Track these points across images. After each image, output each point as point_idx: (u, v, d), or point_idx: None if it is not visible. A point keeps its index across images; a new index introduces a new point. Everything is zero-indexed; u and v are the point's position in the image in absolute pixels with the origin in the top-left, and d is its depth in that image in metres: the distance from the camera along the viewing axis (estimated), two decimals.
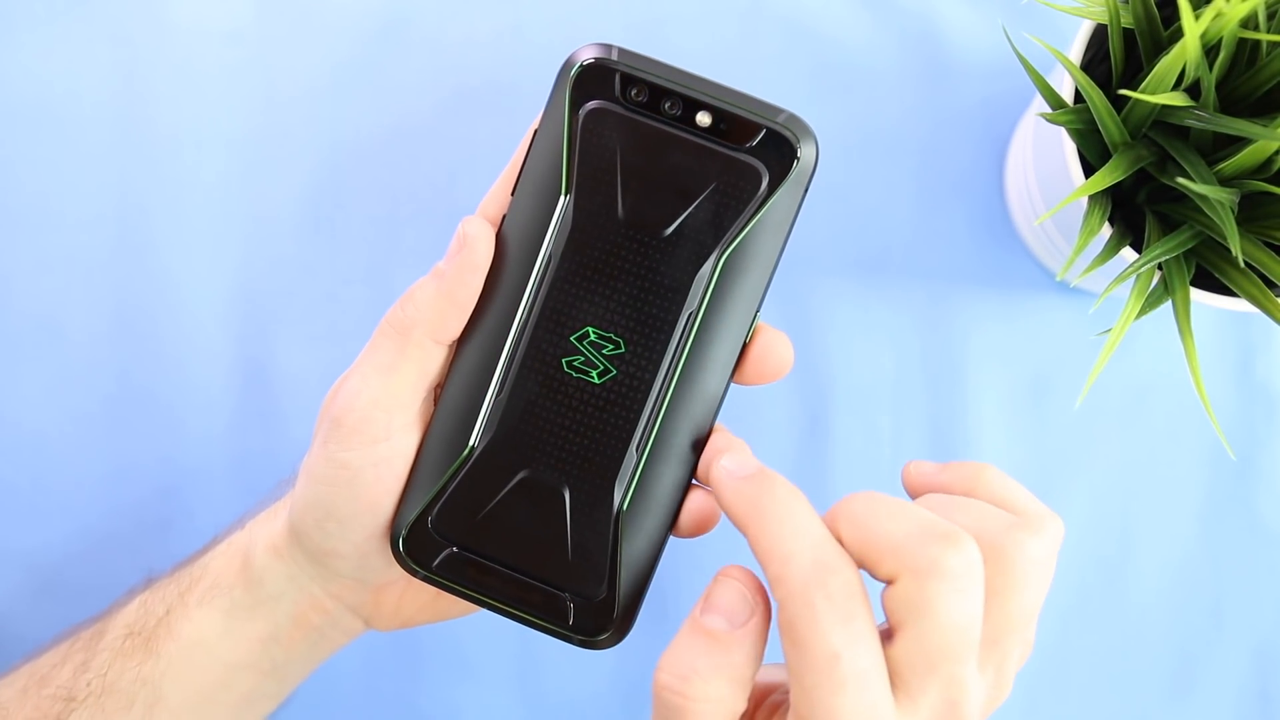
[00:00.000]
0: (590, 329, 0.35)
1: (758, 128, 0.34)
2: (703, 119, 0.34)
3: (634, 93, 0.34)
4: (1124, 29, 0.41)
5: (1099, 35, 0.43)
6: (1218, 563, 0.52)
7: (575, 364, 0.35)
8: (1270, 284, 0.42)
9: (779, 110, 0.34)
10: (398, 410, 0.35)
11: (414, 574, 0.36)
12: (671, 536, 0.36)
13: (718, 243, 0.34)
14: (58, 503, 0.52)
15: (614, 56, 0.35)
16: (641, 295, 0.35)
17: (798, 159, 0.34)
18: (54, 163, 0.53)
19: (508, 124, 0.54)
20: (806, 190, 0.35)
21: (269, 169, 0.54)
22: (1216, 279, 0.42)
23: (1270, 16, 0.38)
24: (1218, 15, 0.36)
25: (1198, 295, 0.41)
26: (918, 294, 0.53)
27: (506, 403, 0.35)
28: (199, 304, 0.53)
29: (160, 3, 0.54)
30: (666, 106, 0.34)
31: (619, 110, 0.34)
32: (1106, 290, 0.40)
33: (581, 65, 0.35)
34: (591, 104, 0.35)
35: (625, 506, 0.35)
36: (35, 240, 0.53)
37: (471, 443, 0.36)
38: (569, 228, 0.35)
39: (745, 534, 0.30)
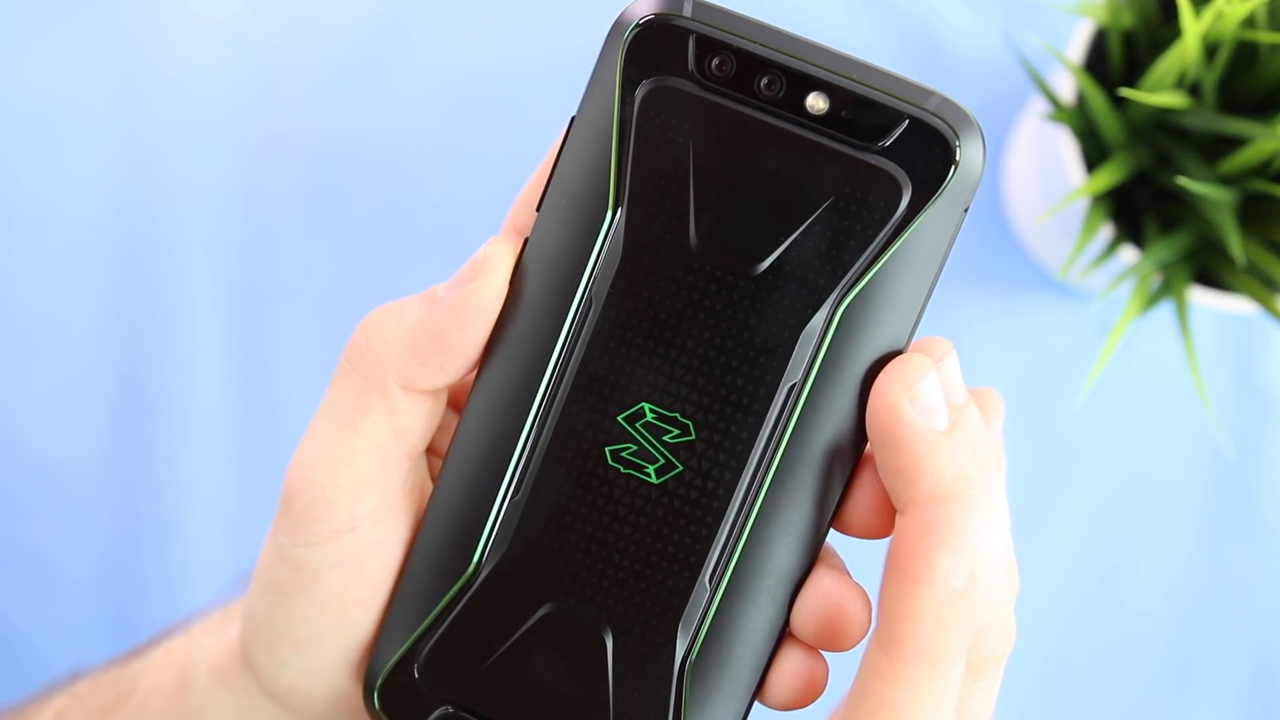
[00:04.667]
0: (646, 406, 0.25)
1: (897, 117, 0.24)
2: (816, 103, 0.24)
3: (715, 63, 0.24)
4: (1124, 30, 0.41)
5: (1099, 35, 0.43)
6: (1218, 563, 0.52)
7: (624, 455, 0.25)
8: (1271, 284, 0.42)
9: (928, 92, 0.24)
10: (366, 488, 0.26)
11: None
12: (759, 705, 0.27)
13: (834, 285, 0.24)
14: (57, 502, 0.52)
15: (686, 11, 0.25)
16: (721, 359, 0.25)
17: (956, 163, 0.24)
18: (54, 162, 0.53)
19: (509, 122, 0.53)
20: (967, 210, 0.25)
21: (269, 168, 0.53)
22: (1216, 278, 0.42)
23: (1270, 16, 0.38)
24: (1218, 15, 0.36)
25: (1198, 295, 0.41)
26: None
27: (525, 506, 0.26)
28: (200, 303, 0.53)
29: (161, 1, 0.54)
30: (763, 84, 0.25)
31: (693, 90, 0.25)
32: (1106, 290, 0.40)
33: (639, 25, 0.25)
34: (653, 81, 0.25)
35: (693, 661, 0.26)
36: (35, 240, 0.53)
37: (476, 560, 0.26)
38: (618, 260, 0.25)
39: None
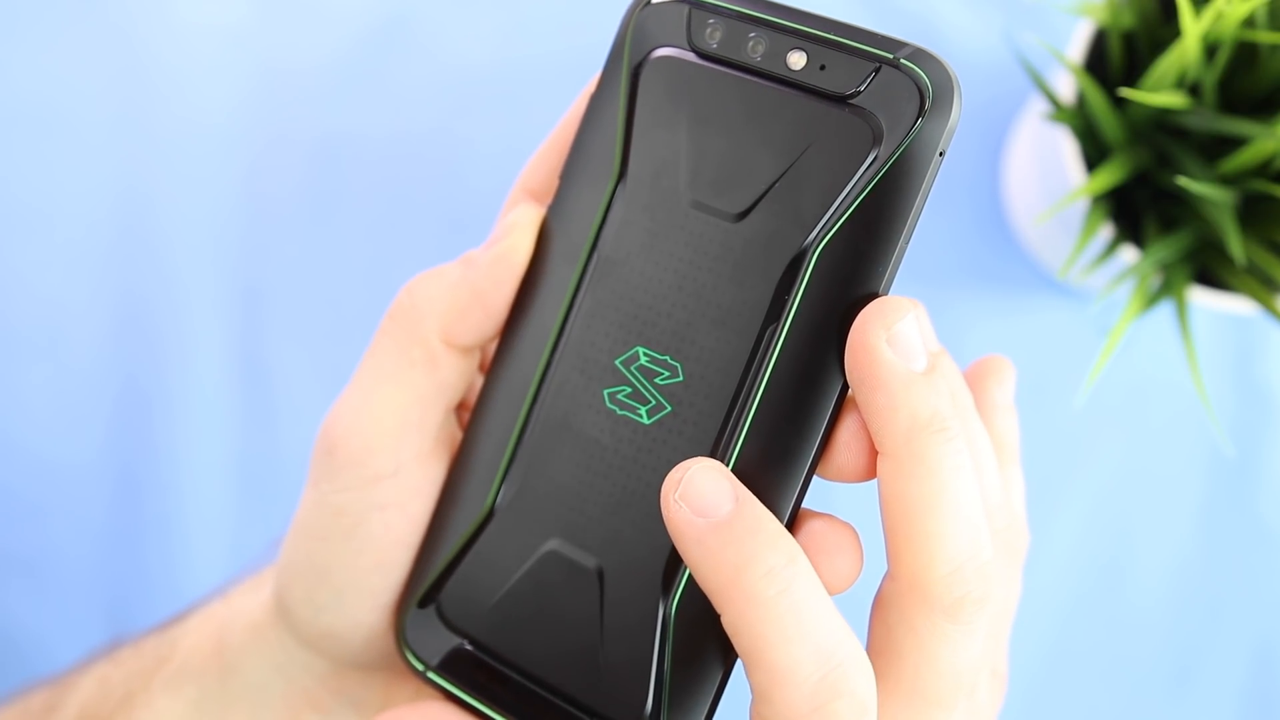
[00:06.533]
0: (640, 349, 0.26)
1: (868, 66, 0.25)
2: (795, 59, 0.25)
3: (708, 32, 0.26)
4: (1124, 30, 0.41)
5: (1099, 35, 0.43)
6: (1217, 563, 0.52)
7: (620, 397, 0.26)
8: (1271, 284, 0.42)
9: (900, 44, 0.25)
10: (408, 434, 0.27)
11: (414, 672, 0.28)
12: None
13: (809, 229, 0.25)
14: (57, 501, 0.52)
15: None
16: (704, 303, 0.26)
17: (924, 110, 0.24)
18: (57, 164, 0.53)
19: (509, 122, 0.54)
20: (942, 154, 0.25)
21: (270, 169, 0.54)
22: (1216, 278, 0.42)
23: (1270, 16, 0.38)
24: (1218, 15, 0.36)
25: (1198, 295, 0.41)
26: (916, 294, 0.53)
27: (534, 447, 0.27)
28: (200, 303, 0.53)
29: (163, 5, 0.54)
30: (749, 47, 0.26)
31: (687, 58, 0.26)
32: (1106, 290, 0.40)
33: (646, 2, 0.27)
34: (654, 52, 0.27)
35: (679, 598, 0.26)
36: (37, 241, 0.53)
37: (490, 500, 0.27)
38: (619, 216, 0.27)
39: (721, 616, 0.24)
